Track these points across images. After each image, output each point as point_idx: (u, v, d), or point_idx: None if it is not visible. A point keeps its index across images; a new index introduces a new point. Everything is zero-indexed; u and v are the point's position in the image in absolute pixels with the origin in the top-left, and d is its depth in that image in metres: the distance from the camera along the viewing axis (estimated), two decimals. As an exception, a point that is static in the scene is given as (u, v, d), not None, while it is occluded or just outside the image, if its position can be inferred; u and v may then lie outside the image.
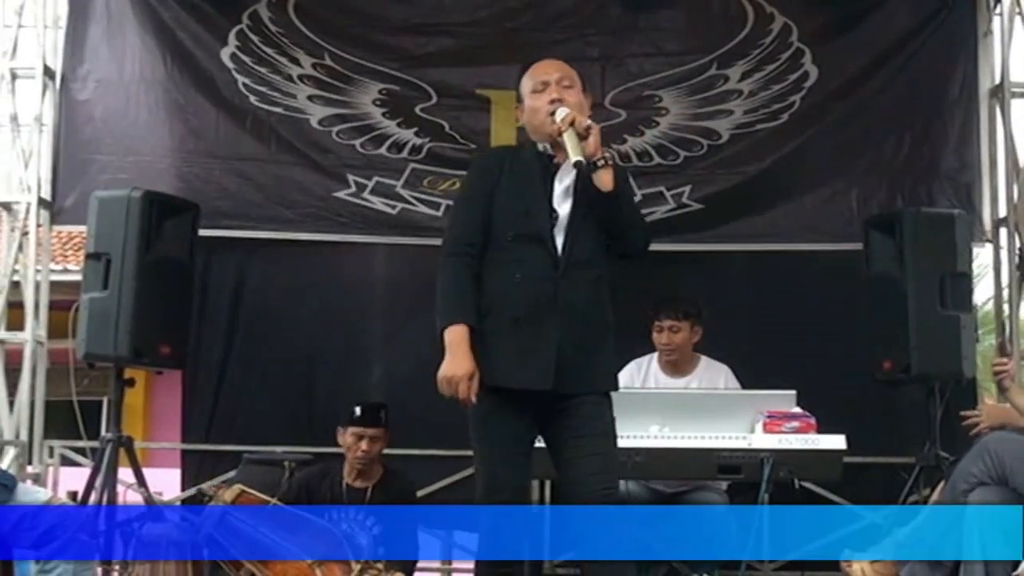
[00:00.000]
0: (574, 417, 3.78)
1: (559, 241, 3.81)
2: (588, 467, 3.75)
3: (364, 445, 5.37)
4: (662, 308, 5.67)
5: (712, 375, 5.69)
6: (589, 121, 3.78)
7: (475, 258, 3.85)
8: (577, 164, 3.70)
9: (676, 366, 5.70)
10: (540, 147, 3.94)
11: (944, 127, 6.73)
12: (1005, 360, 5.20)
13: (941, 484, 4.82)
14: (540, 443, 3.93)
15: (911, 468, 5.71)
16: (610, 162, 3.77)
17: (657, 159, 6.76)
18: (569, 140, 3.72)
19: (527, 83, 3.97)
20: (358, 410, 5.44)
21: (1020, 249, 6.50)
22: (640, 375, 5.71)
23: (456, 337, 3.77)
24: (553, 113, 3.81)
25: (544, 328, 3.75)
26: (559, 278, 3.77)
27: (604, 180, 3.75)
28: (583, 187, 3.80)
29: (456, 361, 3.75)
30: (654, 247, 6.14)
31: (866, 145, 6.76)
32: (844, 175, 6.75)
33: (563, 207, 3.84)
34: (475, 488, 3.87)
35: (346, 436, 5.43)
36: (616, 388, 3.92)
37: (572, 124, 3.73)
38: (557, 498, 5.07)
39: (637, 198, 6.57)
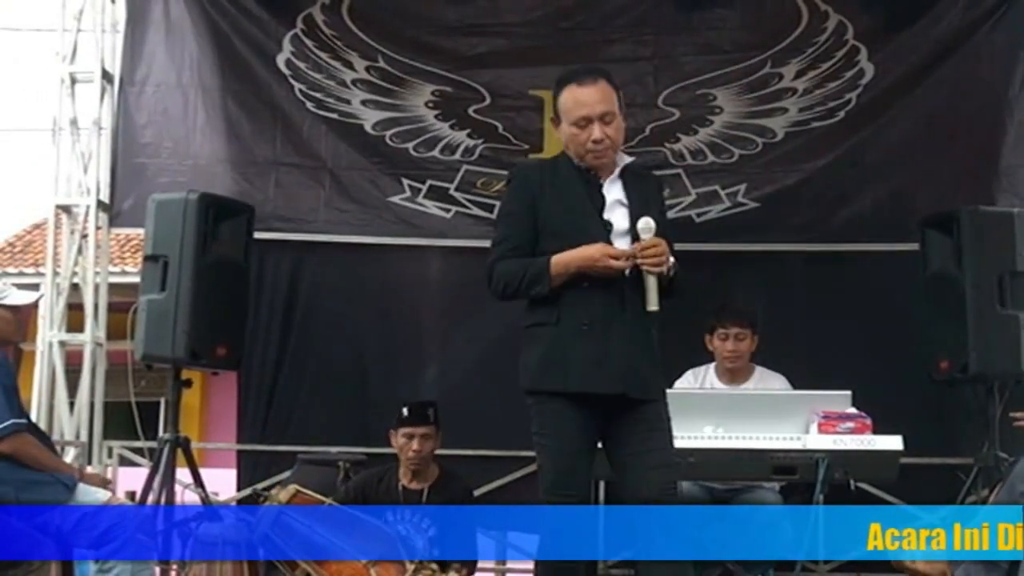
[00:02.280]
0: (635, 417, 3.82)
1: (620, 248, 3.83)
2: (649, 464, 3.78)
3: (415, 444, 5.35)
4: (728, 314, 5.64)
5: (768, 384, 5.64)
6: (671, 260, 3.85)
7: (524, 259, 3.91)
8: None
9: (734, 375, 5.66)
10: (576, 162, 3.95)
11: (1003, 124, 6.65)
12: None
13: (999, 485, 4.77)
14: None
15: (969, 469, 5.67)
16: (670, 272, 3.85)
17: (711, 157, 6.76)
18: (651, 288, 3.78)
19: (569, 109, 3.91)
20: (406, 410, 5.42)
21: (1080, 247, 6.42)
22: (697, 384, 5.66)
23: (558, 259, 3.82)
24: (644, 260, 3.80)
25: (612, 333, 3.79)
26: (625, 283, 3.80)
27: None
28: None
29: (580, 254, 3.80)
30: (708, 247, 6.27)
31: (923, 143, 6.71)
32: (901, 173, 6.70)
33: (616, 216, 3.88)
34: (540, 484, 3.89)
35: (397, 437, 5.41)
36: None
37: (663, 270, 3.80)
38: (612, 498, 5.08)
39: (691, 197, 6.65)
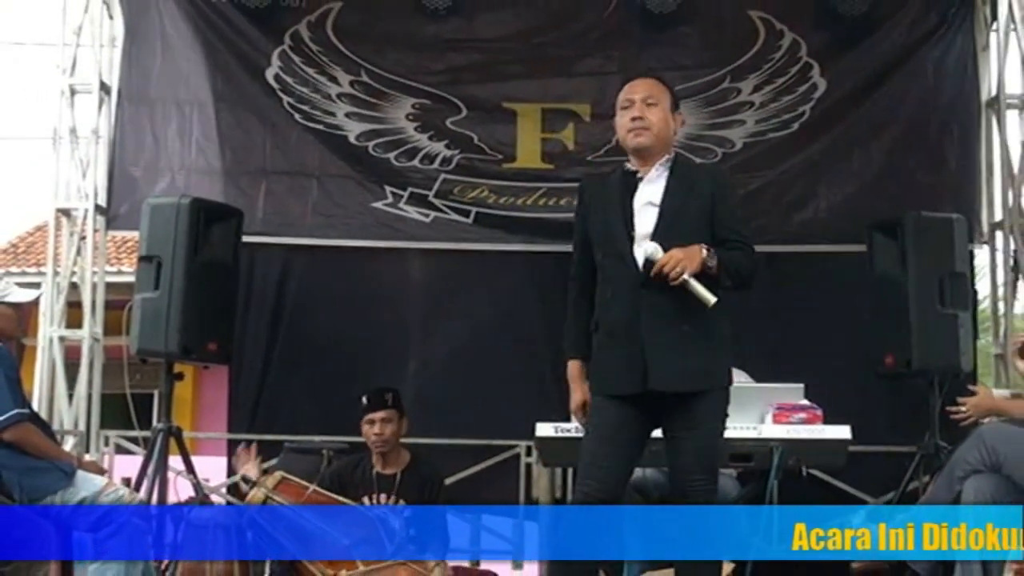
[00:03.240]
0: (677, 416, 3.94)
1: (639, 255, 3.95)
2: (679, 464, 3.93)
3: (376, 428, 5.50)
4: None
5: None
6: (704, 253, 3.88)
7: (583, 284, 4.14)
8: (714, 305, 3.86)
9: None
10: (626, 166, 4.13)
11: (945, 136, 6.97)
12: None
13: (939, 472, 5.03)
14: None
15: (912, 457, 5.93)
16: (709, 264, 3.90)
17: (673, 167, 7.04)
18: (695, 290, 3.83)
19: (619, 102, 4.12)
20: (365, 398, 5.59)
21: (1014, 252, 6.73)
22: None
23: (569, 373, 4.12)
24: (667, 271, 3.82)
25: (632, 338, 3.92)
26: (641, 289, 3.92)
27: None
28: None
29: (572, 397, 4.08)
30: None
31: (871, 153, 7.02)
32: (852, 180, 7.01)
33: (644, 219, 3.99)
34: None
35: (363, 427, 5.59)
36: (726, 383, 4.03)
37: (686, 276, 3.82)
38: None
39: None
